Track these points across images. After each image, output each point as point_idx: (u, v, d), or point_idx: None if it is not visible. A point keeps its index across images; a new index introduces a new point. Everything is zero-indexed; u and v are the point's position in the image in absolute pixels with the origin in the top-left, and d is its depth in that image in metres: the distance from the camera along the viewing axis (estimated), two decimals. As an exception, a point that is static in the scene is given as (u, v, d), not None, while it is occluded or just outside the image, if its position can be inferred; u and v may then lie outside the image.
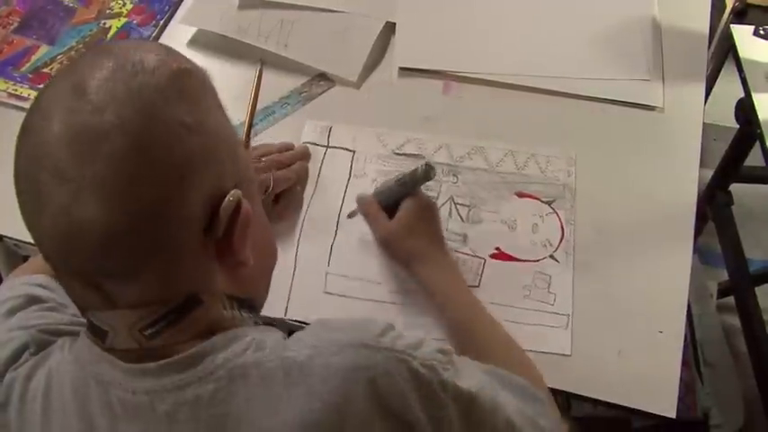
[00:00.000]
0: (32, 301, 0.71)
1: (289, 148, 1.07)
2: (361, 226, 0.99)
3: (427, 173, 0.91)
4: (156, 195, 0.53)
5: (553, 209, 1.03)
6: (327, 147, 1.10)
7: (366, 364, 0.57)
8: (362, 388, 0.56)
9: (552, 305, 0.95)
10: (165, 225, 0.54)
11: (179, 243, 0.56)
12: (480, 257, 0.98)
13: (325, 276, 0.98)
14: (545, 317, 0.94)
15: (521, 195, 1.05)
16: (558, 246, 1.00)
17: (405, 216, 0.93)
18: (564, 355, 0.91)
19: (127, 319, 0.57)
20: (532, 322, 0.93)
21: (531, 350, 0.86)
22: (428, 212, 0.95)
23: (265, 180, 0.96)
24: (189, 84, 0.58)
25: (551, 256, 0.99)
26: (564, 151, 1.09)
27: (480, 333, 0.88)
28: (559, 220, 1.02)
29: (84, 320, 0.61)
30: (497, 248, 0.99)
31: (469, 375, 0.64)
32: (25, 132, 0.55)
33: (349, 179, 1.07)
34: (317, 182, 1.07)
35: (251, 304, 0.65)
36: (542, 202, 1.04)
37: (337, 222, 1.03)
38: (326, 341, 0.58)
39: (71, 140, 0.52)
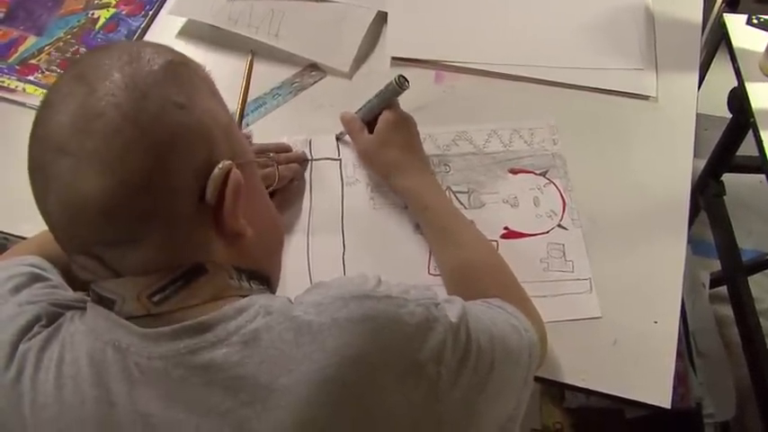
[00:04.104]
0: (36, 278, 0.73)
1: (285, 149, 1.06)
2: (370, 230, 0.99)
3: (401, 84, 0.96)
4: (147, 165, 0.56)
5: (549, 179, 1.04)
6: (312, 160, 1.07)
7: (372, 314, 0.59)
8: (372, 338, 0.58)
9: (572, 272, 0.96)
10: (159, 193, 0.57)
11: (174, 211, 0.59)
12: (492, 240, 0.98)
13: None
14: (568, 285, 0.95)
15: (514, 172, 1.05)
16: (563, 214, 1.01)
17: (381, 129, 0.98)
18: (595, 318, 0.92)
19: (133, 285, 0.60)
20: (557, 293, 0.94)
21: (561, 320, 0.88)
22: (403, 124, 0.98)
23: (270, 174, 0.94)
24: (182, 71, 0.62)
25: (559, 225, 1.00)
26: (544, 120, 1.10)
27: (457, 238, 0.92)
28: (557, 188, 1.03)
29: (89, 298, 0.64)
30: (506, 228, 1.00)
31: (452, 302, 0.68)
32: (35, 125, 0.60)
33: (342, 188, 1.04)
34: (311, 197, 1.04)
35: (264, 279, 0.69)
36: (537, 174, 1.05)
37: (342, 234, 1.00)
38: (330, 298, 0.60)
39: (71, 120, 0.56)
